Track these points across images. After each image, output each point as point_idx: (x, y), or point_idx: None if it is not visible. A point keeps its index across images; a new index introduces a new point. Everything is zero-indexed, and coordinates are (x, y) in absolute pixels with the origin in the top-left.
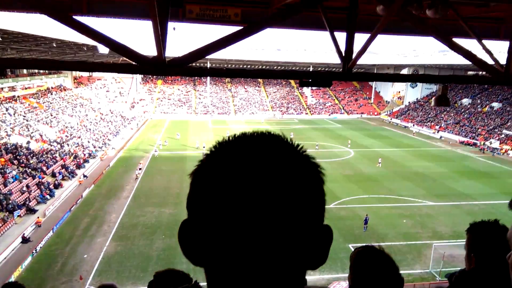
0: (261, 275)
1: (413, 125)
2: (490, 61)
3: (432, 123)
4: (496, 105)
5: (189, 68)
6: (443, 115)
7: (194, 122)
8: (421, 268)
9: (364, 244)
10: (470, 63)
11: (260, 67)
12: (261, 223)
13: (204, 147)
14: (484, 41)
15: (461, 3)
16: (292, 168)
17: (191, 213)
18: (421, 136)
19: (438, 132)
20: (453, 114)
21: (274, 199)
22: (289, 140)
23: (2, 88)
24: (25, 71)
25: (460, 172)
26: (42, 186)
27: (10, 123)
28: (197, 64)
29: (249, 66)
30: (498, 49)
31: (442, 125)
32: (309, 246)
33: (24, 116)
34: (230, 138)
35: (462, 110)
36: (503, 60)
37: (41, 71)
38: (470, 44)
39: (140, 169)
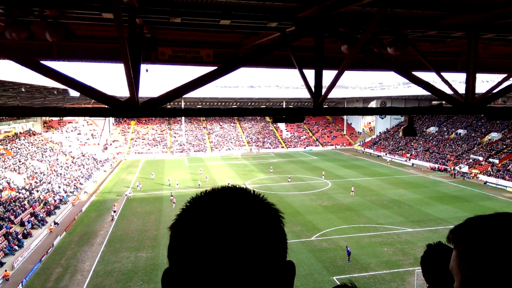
0: None
1: (386, 154)
2: (450, 92)
3: (403, 151)
4: (461, 131)
5: (163, 109)
6: (413, 143)
7: (170, 160)
8: None
9: (338, 284)
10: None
11: (234, 104)
12: (232, 266)
13: (177, 184)
14: (444, 73)
15: (419, 40)
16: (255, 217)
17: (172, 262)
18: (395, 164)
19: (409, 160)
20: (422, 142)
21: (242, 246)
22: (252, 192)
23: None
24: None
25: (434, 197)
26: (10, 237)
27: None
28: (171, 104)
29: (223, 104)
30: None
31: (413, 153)
32: (275, 281)
33: None
34: (202, 193)
35: (430, 138)
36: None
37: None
38: (433, 76)
39: (114, 211)
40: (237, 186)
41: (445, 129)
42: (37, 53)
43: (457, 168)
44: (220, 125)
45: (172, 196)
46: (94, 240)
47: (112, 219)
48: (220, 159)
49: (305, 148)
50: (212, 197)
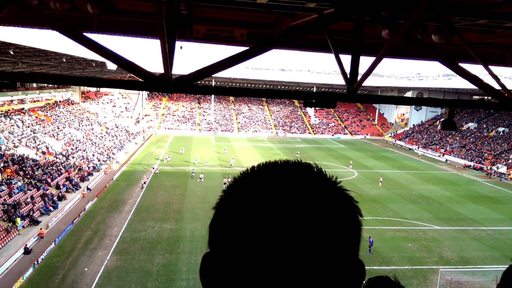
0: None
1: (418, 148)
2: (497, 86)
3: (437, 146)
4: (503, 130)
5: (194, 86)
6: (448, 139)
7: (198, 138)
8: None
9: (379, 275)
10: (475, 87)
11: (264, 86)
12: (293, 258)
13: (206, 161)
14: (490, 67)
15: (466, 29)
16: (327, 198)
17: (214, 246)
18: (426, 159)
19: (443, 155)
20: (458, 138)
21: (305, 233)
22: (321, 171)
23: (11, 101)
24: (34, 84)
25: (466, 196)
26: (46, 198)
27: (18, 135)
28: (202, 82)
29: (253, 85)
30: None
31: (448, 148)
32: (341, 282)
33: (31, 128)
34: (257, 167)
35: (468, 134)
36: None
37: (50, 85)
38: (475, 69)
39: (144, 182)
40: (302, 162)
41: (484, 126)
42: (79, 24)
43: (494, 168)
44: (249, 107)
45: (193, 171)
46: (122, 207)
47: (142, 187)
48: (246, 140)
49: (332, 135)
50: (272, 171)
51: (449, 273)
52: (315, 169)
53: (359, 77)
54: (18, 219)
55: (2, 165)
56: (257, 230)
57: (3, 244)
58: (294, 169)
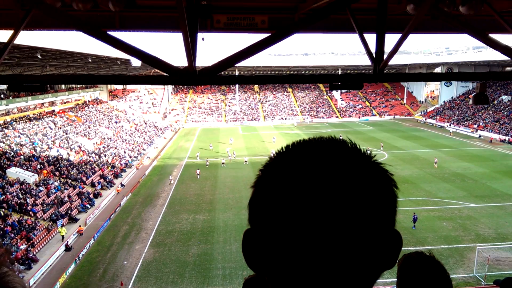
0: (329, 282)
1: (450, 125)
2: None
3: (470, 122)
4: None
5: (218, 77)
6: (481, 114)
7: (225, 129)
8: (465, 272)
9: (413, 252)
10: (507, 58)
11: (288, 72)
12: (331, 230)
13: (234, 153)
14: None
15: None
16: (363, 172)
17: (254, 222)
18: (459, 136)
19: (476, 131)
20: (492, 112)
21: (343, 205)
22: (356, 145)
23: (43, 104)
24: (63, 86)
25: (502, 172)
26: (82, 196)
27: (51, 137)
28: (226, 73)
29: (277, 72)
30: None
31: (481, 124)
32: (378, 253)
33: (63, 129)
34: (292, 145)
35: (502, 107)
36: None
37: (78, 85)
38: (507, 38)
39: (198, 174)
40: (336, 138)
41: None
42: (101, 23)
43: None
44: (274, 94)
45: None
46: (156, 201)
47: (198, 175)
48: (273, 128)
49: (359, 118)
50: (307, 148)
51: (486, 250)
52: (349, 144)
53: (385, 56)
54: (63, 229)
55: (38, 166)
56: (296, 204)
57: (45, 243)
58: (329, 145)
